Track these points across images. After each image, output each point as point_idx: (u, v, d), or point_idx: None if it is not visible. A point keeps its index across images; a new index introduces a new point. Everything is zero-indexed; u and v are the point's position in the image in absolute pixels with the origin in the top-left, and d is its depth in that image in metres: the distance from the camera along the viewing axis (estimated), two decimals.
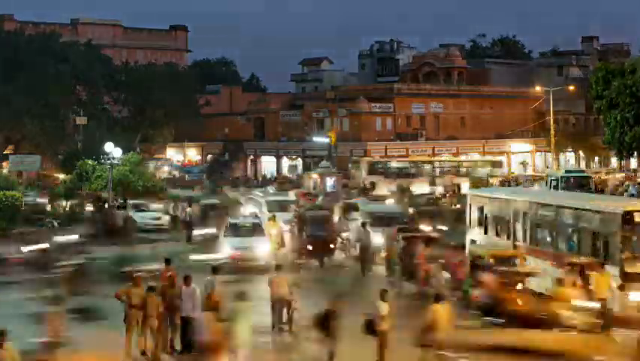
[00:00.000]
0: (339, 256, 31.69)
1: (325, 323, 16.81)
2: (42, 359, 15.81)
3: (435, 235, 28.10)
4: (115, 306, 19.15)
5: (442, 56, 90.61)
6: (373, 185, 58.00)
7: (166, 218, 41.80)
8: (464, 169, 65.30)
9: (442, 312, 16.59)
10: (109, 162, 44.86)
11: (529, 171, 78.12)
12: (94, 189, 47.60)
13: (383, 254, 27.56)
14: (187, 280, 18.60)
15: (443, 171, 64.26)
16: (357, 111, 75.35)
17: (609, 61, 75.29)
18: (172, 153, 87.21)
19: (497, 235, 27.51)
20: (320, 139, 70.77)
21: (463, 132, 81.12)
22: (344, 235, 32.51)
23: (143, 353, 18.10)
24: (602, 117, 60.76)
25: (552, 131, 70.19)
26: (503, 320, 18.71)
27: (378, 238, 28.87)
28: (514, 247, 25.33)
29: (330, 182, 59.11)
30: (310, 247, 30.18)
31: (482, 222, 28.56)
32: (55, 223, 39.04)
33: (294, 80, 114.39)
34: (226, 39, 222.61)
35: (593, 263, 20.64)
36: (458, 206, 40.15)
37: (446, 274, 22.67)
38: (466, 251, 25.96)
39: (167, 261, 20.42)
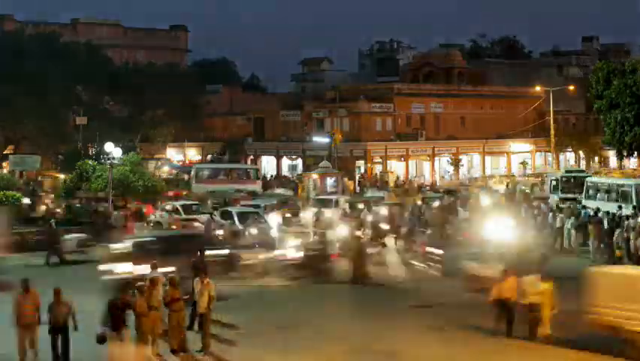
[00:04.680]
0: None
1: None
2: None
3: None
4: None
5: (442, 55, 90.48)
6: None
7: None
8: None
9: None
10: (109, 162, 44.83)
11: (529, 171, 78.14)
12: (94, 189, 47.62)
13: None
14: None
15: None
16: (357, 111, 75.22)
17: (609, 61, 75.22)
18: (172, 153, 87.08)
19: None
20: (320, 139, 70.66)
21: (464, 132, 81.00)
22: None
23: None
24: (602, 117, 60.63)
25: (552, 131, 70.09)
26: None
27: None
28: None
29: (330, 182, 59.02)
30: None
31: None
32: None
33: (294, 80, 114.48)
34: (226, 39, 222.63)
35: None
36: None
37: None
38: None
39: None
